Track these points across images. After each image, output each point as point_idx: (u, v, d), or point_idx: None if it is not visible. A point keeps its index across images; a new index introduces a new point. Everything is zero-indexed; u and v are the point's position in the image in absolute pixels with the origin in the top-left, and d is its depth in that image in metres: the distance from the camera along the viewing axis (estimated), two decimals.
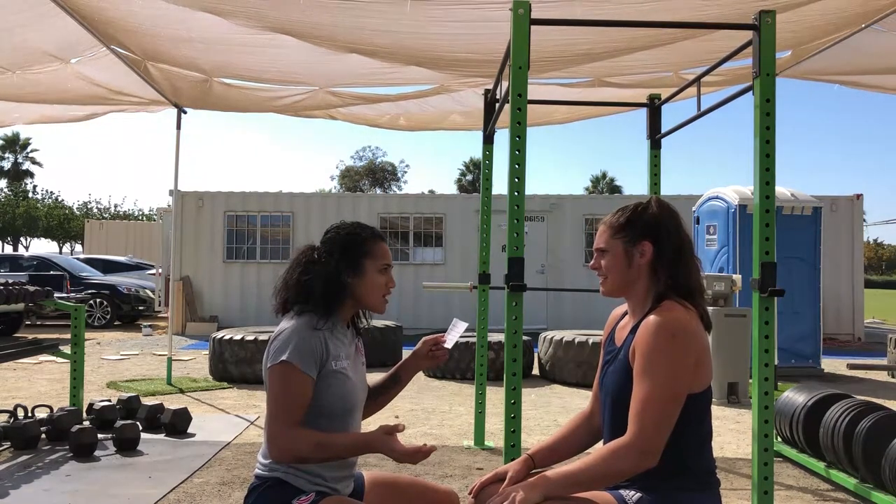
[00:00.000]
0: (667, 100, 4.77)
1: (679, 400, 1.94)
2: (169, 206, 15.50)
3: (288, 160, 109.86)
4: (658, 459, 1.91)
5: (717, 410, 6.86)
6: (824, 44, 5.21)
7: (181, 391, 7.49)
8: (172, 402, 6.28)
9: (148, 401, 6.04)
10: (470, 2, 4.33)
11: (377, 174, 60.10)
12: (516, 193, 3.14)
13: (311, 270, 2.21)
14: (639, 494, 1.99)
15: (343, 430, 2.20)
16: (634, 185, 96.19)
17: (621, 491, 2.02)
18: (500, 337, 7.88)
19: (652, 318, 2.00)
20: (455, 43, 5.01)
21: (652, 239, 2.11)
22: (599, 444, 2.18)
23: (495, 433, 5.52)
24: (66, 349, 5.80)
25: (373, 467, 4.64)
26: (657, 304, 2.06)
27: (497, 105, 4.61)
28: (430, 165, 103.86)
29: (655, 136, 4.76)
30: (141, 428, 5.22)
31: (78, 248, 46.36)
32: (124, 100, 7.00)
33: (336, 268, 2.21)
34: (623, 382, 2.05)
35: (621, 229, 2.15)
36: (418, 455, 2.07)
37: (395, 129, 8.26)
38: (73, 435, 4.81)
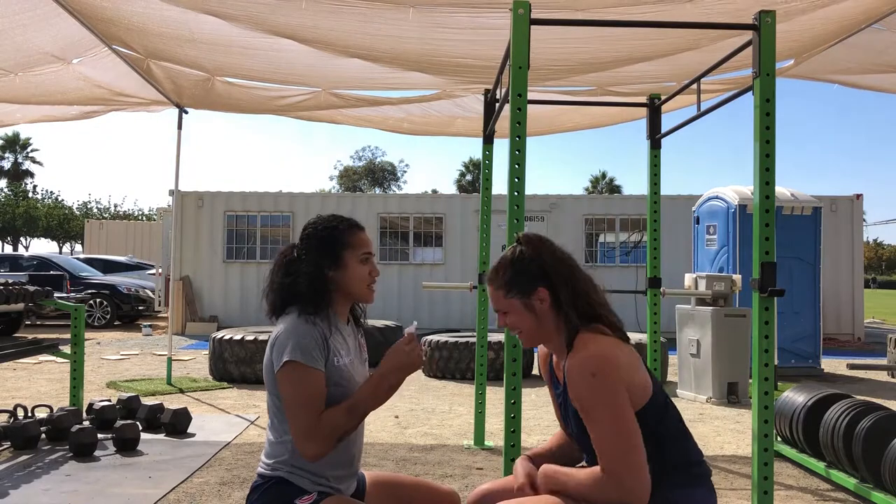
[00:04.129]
0: (667, 100, 4.78)
1: (632, 428, 1.92)
2: (169, 206, 15.50)
3: (288, 160, 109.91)
4: (648, 492, 1.89)
5: (717, 410, 6.86)
6: (825, 46, 5.21)
7: (181, 391, 7.49)
8: (172, 402, 6.28)
9: (148, 401, 6.03)
10: (471, 7, 4.33)
11: (377, 174, 60.10)
12: (516, 193, 3.14)
13: (293, 270, 2.20)
14: None
15: None
16: (634, 185, 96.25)
17: None
18: (500, 337, 7.88)
19: (571, 362, 1.99)
20: (457, 49, 5.01)
21: (543, 283, 2.09)
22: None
23: (495, 433, 5.51)
24: (66, 349, 5.79)
25: (372, 467, 4.65)
26: (571, 341, 2.04)
27: (497, 105, 4.61)
28: (430, 165, 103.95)
29: (655, 136, 4.77)
30: (141, 428, 5.22)
31: (78, 248, 46.39)
32: (126, 100, 7.00)
33: (317, 264, 2.20)
34: (580, 423, 2.04)
35: (512, 286, 2.11)
36: (415, 345, 2.14)
37: (399, 133, 8.26)
38: (73, 435, 4.81)
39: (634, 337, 8.44)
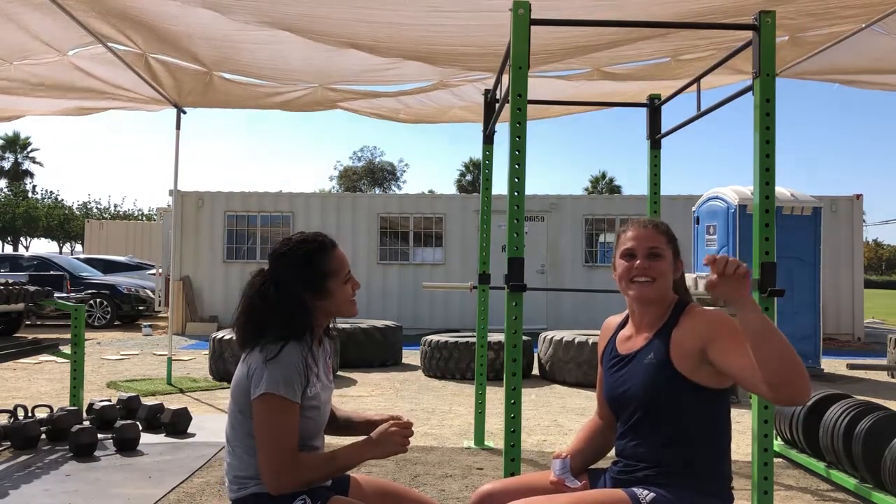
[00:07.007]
0: (666, 100, 4.78)
1: None
2: (169, 206, 15.50)
3: (288, 160, 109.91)
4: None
5: None
6: (824, 40, 5.20)
7: (181, 391, 7.49)
8: (172, 402, 6.28)
9: (148, 401, 6.03)
10: None
11: (376, 174, 60.10)
12: (516, 193, 3.14)
13: (273, 303, 2.09)
14: (653, 494, 2.01)
15: (309, 451, 2.14)
16: (634, 185, 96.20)
17: (635, 489, 2.04)
18: (500, 337, 7.88)
19: (710, 313, 2.07)
20: (455, 35, 5.00)
21: (680, 259, 2.22)
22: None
23: (495, 433, 5.51)
24: (66, 349, 5.80)
25: (372, 467, 4.65)
26: (681, 310, 2.13)
27: (497, 105, 4.61)
28: (430, 165, 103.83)
29: (655, 136, 4.76)
30: (141, 428, 5.22)
31: (78, 248, 46.39)
32: (124, 94, 6.98)
33: (300, 296, 2.10)
34: (657, 381, 2.06)
35: (672, 240, 2.22)
36: (407, 433, 2.11)
37: (396, 121, 8.26)
38: (73, 435, 4.81)
39: None
